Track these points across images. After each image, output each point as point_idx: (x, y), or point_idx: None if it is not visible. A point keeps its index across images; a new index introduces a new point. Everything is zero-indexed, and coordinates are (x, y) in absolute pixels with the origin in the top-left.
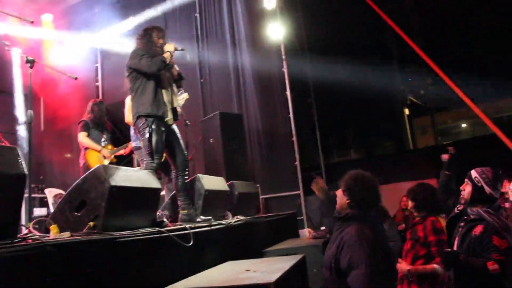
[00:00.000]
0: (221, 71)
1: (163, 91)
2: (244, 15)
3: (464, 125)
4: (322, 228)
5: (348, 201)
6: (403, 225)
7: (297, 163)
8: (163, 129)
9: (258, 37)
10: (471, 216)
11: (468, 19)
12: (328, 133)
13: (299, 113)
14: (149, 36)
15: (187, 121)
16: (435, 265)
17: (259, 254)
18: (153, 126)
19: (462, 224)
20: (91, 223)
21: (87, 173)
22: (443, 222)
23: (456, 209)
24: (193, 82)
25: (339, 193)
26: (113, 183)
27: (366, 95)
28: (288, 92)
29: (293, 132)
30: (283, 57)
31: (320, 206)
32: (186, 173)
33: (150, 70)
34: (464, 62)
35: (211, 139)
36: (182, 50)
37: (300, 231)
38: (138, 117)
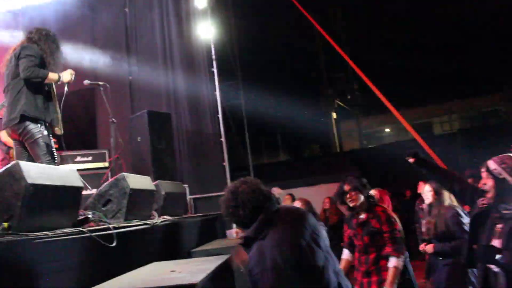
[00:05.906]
0: (150, 69)
1: (53, 96)
2: (175, 13)
3: (387, 130)
4: None
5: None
6: None
7: (226, 163)
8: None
9: (189, 36)
10: (506, 214)
11: (394, 30)
12: (258, 134)
13: (229, 113)
14: (53, 41)
15: (113, 119)
16: (394, 263)
17: (186, 255)
18: (43, 130)
19: (500, 225)
20: (5, 224)
21: (0, 170)
22: None
23: (479, 203)
24: (122, 79)
25: None
26: (30, 181)
27: (295, 98)
28: (217, 92)
29: (222, 132)
30: (213, 57)
31: None
32: None
33: (25, 74)
34: (389, 70)
35: (139, 138)
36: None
37: (228, 232)
38: (25, 119)
